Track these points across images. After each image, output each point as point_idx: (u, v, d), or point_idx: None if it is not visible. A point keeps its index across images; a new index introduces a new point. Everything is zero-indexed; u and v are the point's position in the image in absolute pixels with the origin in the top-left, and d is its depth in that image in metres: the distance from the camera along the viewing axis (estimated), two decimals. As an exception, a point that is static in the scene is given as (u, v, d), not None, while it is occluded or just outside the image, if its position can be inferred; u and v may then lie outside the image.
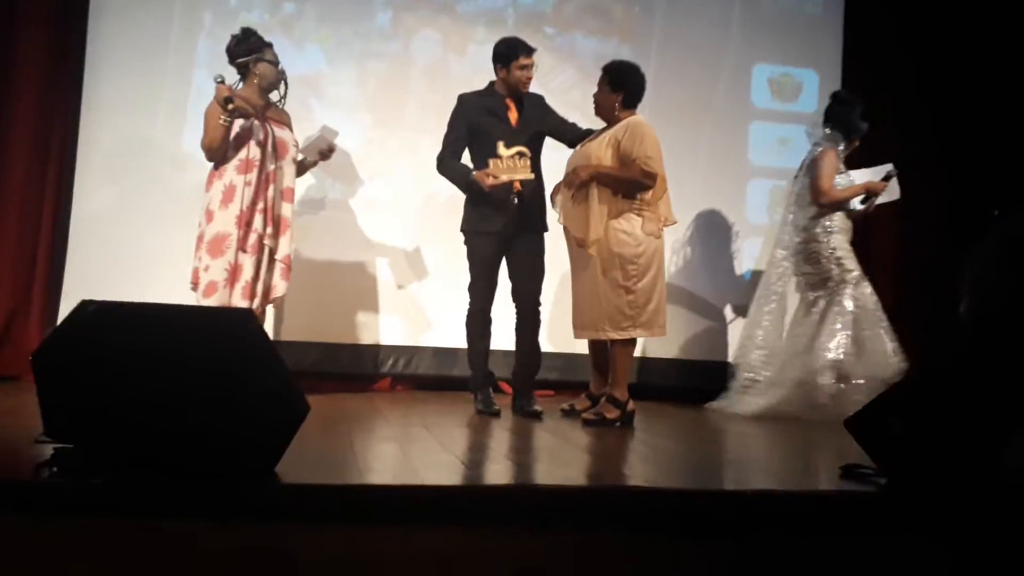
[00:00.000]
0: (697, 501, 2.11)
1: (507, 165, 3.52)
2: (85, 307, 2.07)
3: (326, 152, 3.85)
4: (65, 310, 4.20)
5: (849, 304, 4.21)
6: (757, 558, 1.98)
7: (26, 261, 4.24)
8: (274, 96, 3.72)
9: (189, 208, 4.00)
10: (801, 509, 2.16)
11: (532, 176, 3.56)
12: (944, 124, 5.14)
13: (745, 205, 5.22)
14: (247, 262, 3.48)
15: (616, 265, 3.49)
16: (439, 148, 4.72)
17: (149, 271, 4.32)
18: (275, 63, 3.67)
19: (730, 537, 2.02)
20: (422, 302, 4.72)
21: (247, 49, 3.63)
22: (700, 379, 4.94)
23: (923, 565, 2.05)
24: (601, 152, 3.55)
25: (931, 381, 2.48)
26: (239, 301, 3.42)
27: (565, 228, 3.68)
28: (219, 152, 3.48)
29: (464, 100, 3.73)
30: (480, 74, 4.82)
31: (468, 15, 4.92)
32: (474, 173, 3.58)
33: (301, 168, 3.86)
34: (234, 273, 3.45)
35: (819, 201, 4.30)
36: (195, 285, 3.49)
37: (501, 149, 3.54)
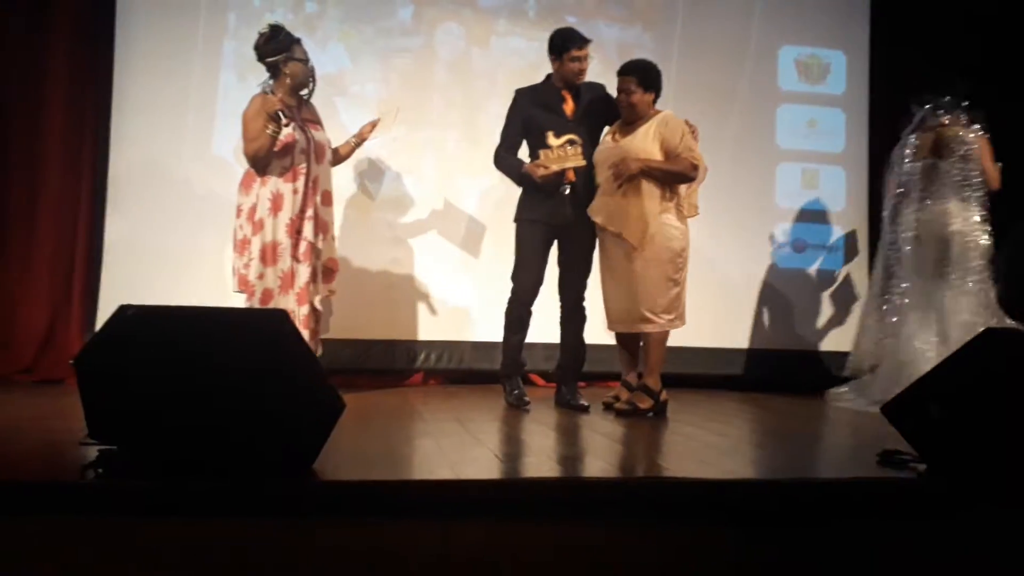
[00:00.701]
0: (733, 491, 2.10)
1: (557, 154, 3.52)
2: (124, 311, 2.11)
3: (367, 131, 3.86)
4: (103, 313, 4.30)
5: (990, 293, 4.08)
6: (794, 547, 1.97)
7: (64, 266, 4.32)
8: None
9: (221, 208, 4.06)
10: (839, 496, 2.15)
11: (583, 163, 3.54)
12: (978, 103, 5.01)
13: (775, 189, 5.17)
14: (300, 269, 3.50)
15: (667, 259, 3.49)
16: (465, 143, 4.78)
17: (184, 272, 4.40)
18: (305, 60, 3.61)
19: (767, 526, 2.01)
20: (452, 297, 4.74)
21: (277, 48, 3.55)
22: (724, 365, 4.92)
23: (964, 550, 2.02)
24: (648, 146, 3.51)
25: (969, 365, 2.43)
26: (294, 307, 3.47)
27: (601, 224, 3.59)
28: (264, 160, 3.48)
29: (520, 95, 3.72)
30: (503, 66, 4.84)
31: (489, 7, 4.91)
32: (525, 165, 3.57)
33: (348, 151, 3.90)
34: (288, 280, 3.48)
35: (994, 188, 4.12)
36: (246, 291, 3.48)
37: (551, 139, 3.54)
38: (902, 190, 4.33)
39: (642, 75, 3.59)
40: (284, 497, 1.89)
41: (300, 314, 3.49)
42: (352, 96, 4.72)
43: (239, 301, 3.54)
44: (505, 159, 3.69)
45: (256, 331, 2.15)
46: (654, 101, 3.63)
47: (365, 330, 4.59)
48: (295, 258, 3.50)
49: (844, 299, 5.18)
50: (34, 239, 4.27)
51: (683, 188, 3.60)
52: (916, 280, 4.17)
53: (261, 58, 3.60)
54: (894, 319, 4.19)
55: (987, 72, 4.98)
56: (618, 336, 3.74)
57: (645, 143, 3.52)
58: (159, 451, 2.03)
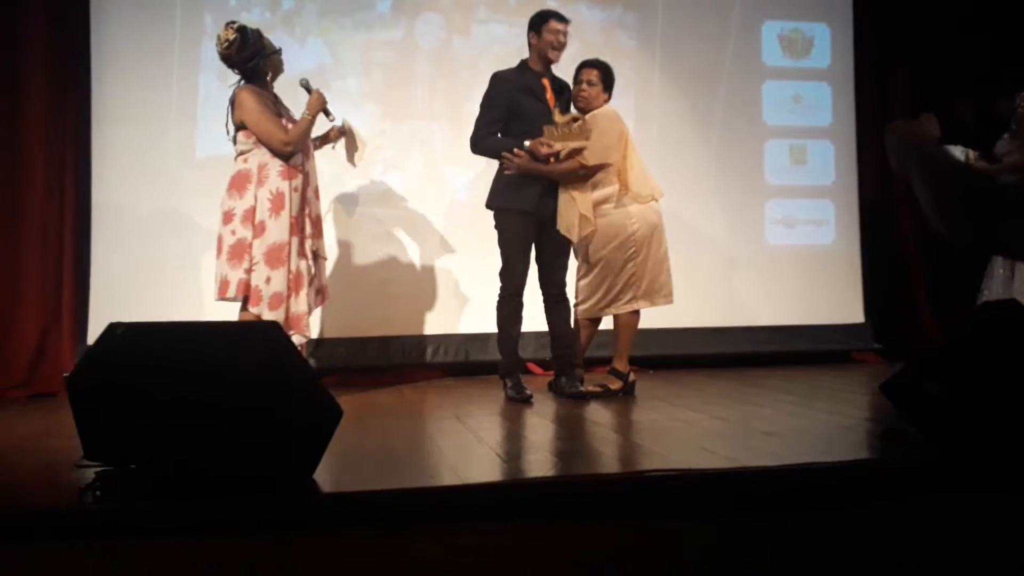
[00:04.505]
0: (738, 480, 2.10)
1: (562, 132, 3.49)
2: (114, 330, 2.08)
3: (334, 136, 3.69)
4: (94, 324, 4.27)
5: None
6: (802, 534, 1.97)
7: (53, 278, 4.27)
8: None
9: (209, 213, 4.01)
10: (842, 480, 2.15)
11: (587, 143, 3.52)
12: (963, 75, 4.97)
13: (763, 166, 5.14)
14: (304, 268, 3.43)
15: (616, 246, 3.65)
16: (450, 133, 4.73)
17: (175, 279, 4.37)
18: (277, 51, 3.50)
19: (774, 514, 2.01)
20: (445, 290, 4.72)
21: (252, 52, 3.41)
22: (718, 344, 4.93)
23: (971, 525, 2.02)
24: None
25: (965, 342, 2.43)
26: (303, 308, 3.40)
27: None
28: (299, 148, 3.43)
29: (501, 78, 3.66)
30: (485, 55, 4.79)
31: (469, -5, 4.85)
32: (528, 142, 3.50)
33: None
34: (296, 281, 3.38)
35: None
36: (251, 297, 3.29)
37: (557, 116, 3.52)
38: None
39: (605, 72, 3.72)
40: (287, 511, 1.87)
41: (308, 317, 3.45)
42: (334, 91, 4.59)
43: (230, 308, 3.48)
44: (491, 140, 3.61)
45: (248, 343, 2.13)
46: (605, 102, 3.72)
47: (359, 328, 4.57)
48: (302, 256, 3.42)
49: (836, 273, 5.18)
50: (21, 253, 4.21)
51: (632, 174, 3.65)
52: None
53: (235, 66, 3.44)
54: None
55: (986, 38, 4.93)
56: (590, 323, 3.80)
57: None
58: (157, 469, 2.01)
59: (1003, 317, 2.46)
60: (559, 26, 3.60)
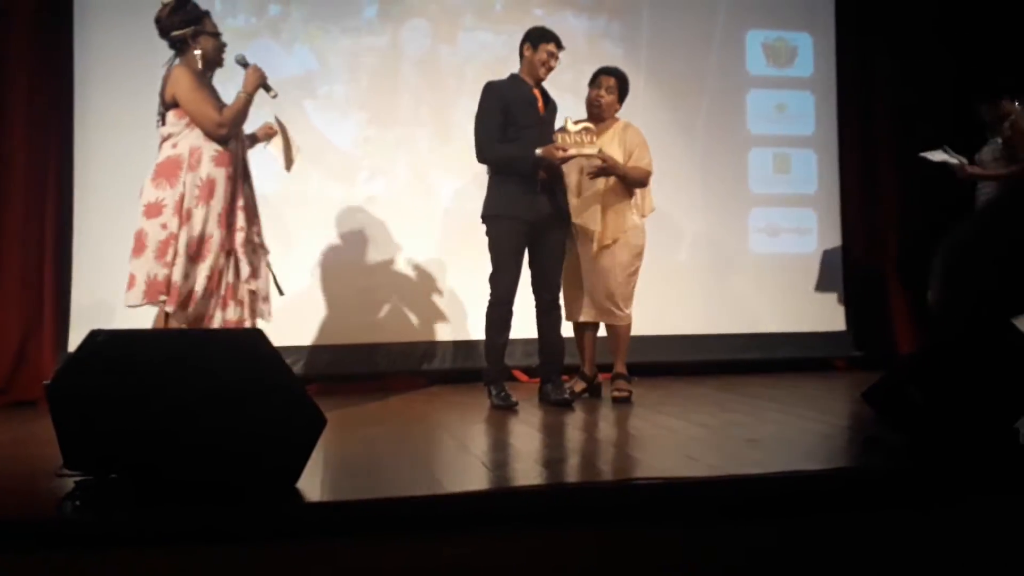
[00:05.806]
0: (720, 488, 2.11)
1: (575, 139, 3.53)
2: (95, 337, 2.07)
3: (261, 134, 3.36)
4: (75, 330, 4.22)
5: None
6: (785, 541, 1.98)
7: (33, 283, 4.21)
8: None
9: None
10: (826, 487, 2.16)
11: (597, 152, 3.60)
12: (943, 85, 5.04)
13: (747, 175, 5.18)
14: (230, 266, 3.11)
15: (633, 255, 3.76)
16: (436, 141, 4.73)
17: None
18: (217, 34, 3.18)
19: (767, 521, 2.02)
20: (430, 297, 4.71)
21: (184, 20, 3.09)
22: (701, 351, 4.94)
23: (953, 532, 2.04)
24: (613, 152, 3.72)
25: (947, 350, 2.46)
26: (216, 311, 3.05)
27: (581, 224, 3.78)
28: (236, 130, 3.14)
29: (495, 87, 3.66)
30: (471, 62, 4.80)
31: (455, 3, 4.85)
32: (539, 150, 3.51)
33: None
34: (215, 278, 3.03)
35: None
36: (168, 297, 2.91)
37: (569, 124, 3.57)
38: None
39: (622, 81, 3.84)
40: (269, 521, 1.86)
41: (226, 318, 3.07)
42: (321, 98, 4.65)
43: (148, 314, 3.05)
44: (504, 147, 3.58)
45: (231, 351, 2.12)
46: (616, 111, 3.87)
47: (344, 335, 4.55)
48: (230, 252, 3.07)
49: (817, 282, 5.22)
50: (1, 260, 4.16)
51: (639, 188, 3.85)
52: None
53: (165, 32, 3.12)
54: None
55: (962, 48, 4.99)
56: (578, 329, 3.89)
57: (611, 149, 3.72)
58: (137, 478, 1.99)
59: (983, 325, 2.49)
60: (555, 50, 3.65)
